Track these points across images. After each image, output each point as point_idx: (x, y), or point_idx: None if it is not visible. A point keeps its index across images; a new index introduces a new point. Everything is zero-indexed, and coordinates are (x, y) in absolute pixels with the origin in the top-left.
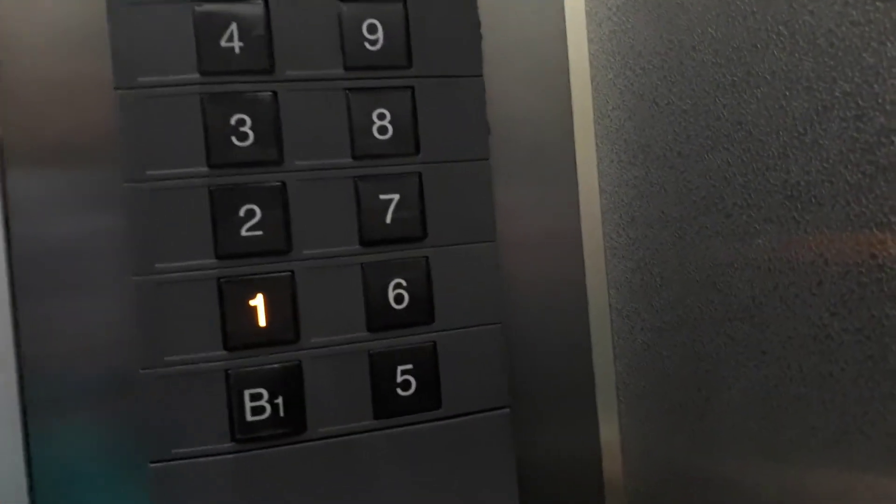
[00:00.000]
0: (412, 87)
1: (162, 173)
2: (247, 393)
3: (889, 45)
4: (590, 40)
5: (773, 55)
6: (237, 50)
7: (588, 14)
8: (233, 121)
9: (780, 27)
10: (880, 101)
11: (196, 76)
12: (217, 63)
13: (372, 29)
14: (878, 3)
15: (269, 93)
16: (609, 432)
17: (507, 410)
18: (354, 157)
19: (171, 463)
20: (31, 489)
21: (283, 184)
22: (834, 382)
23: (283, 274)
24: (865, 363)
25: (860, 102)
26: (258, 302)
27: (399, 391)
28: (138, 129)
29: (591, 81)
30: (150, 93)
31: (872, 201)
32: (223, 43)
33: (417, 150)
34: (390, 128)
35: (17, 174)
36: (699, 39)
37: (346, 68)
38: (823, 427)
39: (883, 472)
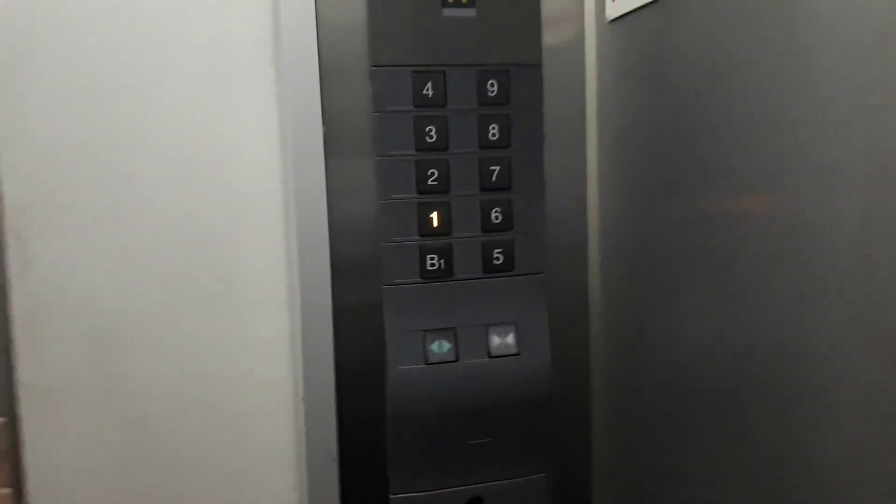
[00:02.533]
0: (508, 115)
1: (394, 152)
2: (427, 256)
3: None
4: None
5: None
6: (430, 94)
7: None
8: (427, 128)
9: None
10: None
11: (411, 107)
12: (421, 100)
13: (491, 85)
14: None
15: (444, 115)
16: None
17: (543, 274)
18: (480, 147)
19: (391, 286)
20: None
21: (448, 160)
22: None
23: (445, 201)
24: None
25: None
26: (434, 215)
27: (495, 261)
28: (385, 138)
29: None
30: (387, 115)
31: None
32: (424, 91)
33: (509, 144)
34: (497, 133)
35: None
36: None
37: (479, 104)
38: None
39: None
